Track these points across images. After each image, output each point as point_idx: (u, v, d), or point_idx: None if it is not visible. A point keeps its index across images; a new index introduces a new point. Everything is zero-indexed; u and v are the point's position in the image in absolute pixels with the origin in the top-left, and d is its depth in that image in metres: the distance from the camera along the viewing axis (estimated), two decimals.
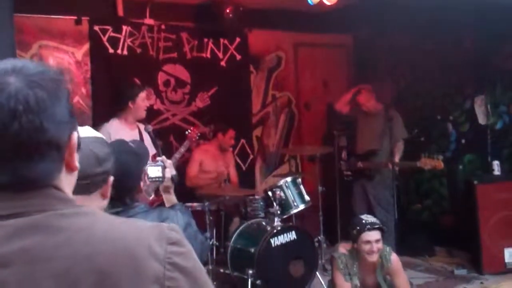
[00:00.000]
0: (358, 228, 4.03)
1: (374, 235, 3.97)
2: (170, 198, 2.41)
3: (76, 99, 6.02)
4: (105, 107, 5.94)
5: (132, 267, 0.93)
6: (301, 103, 7.48)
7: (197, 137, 5.63)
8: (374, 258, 4.00)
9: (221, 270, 5.23)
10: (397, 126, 6.13)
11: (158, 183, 2.32)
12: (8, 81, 0.93)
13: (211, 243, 5.24)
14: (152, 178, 2.27)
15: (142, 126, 5.14)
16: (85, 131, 1.79)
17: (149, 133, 4.64)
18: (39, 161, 0.94)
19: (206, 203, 5.30)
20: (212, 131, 6.43)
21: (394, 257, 4.15)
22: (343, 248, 4.24)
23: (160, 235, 0.99)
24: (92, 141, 1.77)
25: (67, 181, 1.02)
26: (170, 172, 2.35)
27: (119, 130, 5.01)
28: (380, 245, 3.98)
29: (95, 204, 1.76)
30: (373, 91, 6.32)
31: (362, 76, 7.22)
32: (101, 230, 0.96)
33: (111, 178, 1.79)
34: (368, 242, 3.96)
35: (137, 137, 4.89)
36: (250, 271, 4.83)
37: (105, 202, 1.81)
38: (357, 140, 6.49)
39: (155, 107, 6.36)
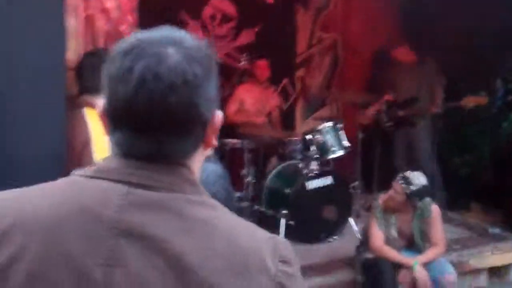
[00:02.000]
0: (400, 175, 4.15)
1: (397, 186, 4.08)
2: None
3: (123, 27, 6.01)
4: None
5: (242, 276, 0.91)
6: (348, 47, 7.32)
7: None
8: (392, 204, 4.11)
9: (257, 207, 5.32)
10: (434, 73, 6.01)
11: None
12: (168, 52, 0.92)
13: (248, 180, 5.30)
14: None
15: None
16: None
17: None
18: (183, 137, 0.95)
19: (245, 141, 5.34)
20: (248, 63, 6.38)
21: (434, 207, 4.16)
22: (380, 199, 4.26)
23: (274, 250, 0.96)
24: None
25: (199, 158, 1.01)
26: None
27: None
28: (398, 197, 4.08)
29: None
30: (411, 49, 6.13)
31: (410, 23, 6.98)
32: (223, 230, 0.94)
33: None
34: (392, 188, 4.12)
35: None
36: (284, 212, 4.90)
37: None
38: (396, 89, 6.36)
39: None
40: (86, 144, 2.92)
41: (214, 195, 2.10)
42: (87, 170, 0.97)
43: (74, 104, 3.10)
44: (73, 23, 5.79)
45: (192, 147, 0.98)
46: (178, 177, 0.95)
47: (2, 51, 2.76)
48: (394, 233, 4.15)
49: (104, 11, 5.93)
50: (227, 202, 2.22)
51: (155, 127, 0.92)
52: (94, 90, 3.09)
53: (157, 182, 0.93)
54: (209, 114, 0.97)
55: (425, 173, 4.25)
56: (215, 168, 2.23)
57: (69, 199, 0.92)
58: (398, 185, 4.08)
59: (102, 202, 0.91)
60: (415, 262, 4.02)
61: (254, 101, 6.08)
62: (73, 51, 5.76)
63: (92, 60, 3.21)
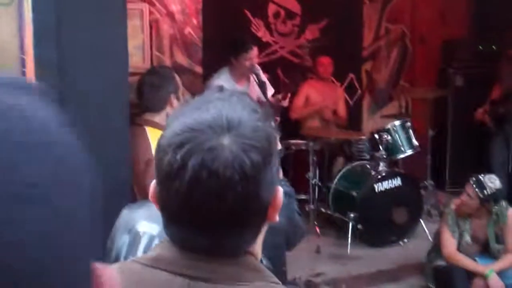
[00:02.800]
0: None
1: (470, 189, 3.91)
2: None
3: (188, 30, 6.08)
4: (216, 39, 5.96)
5: None
6: (416, 37, 7.08)
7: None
8: (465, 209, 3.95)
9: (323, 210, 5.27)
10: None
11: None
12: (223, 143, 0.86)
13: (313, 183, 5.25)
14: None
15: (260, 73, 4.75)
16: None
17: (256, 74, 4.60)
18: (244, 229, 0.91)
19: (311, 143, 5.28)
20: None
21: (510, 212, 3.98)
22: (454, 204, 4.11)
23: None
24: None
25: (261, 236, 0.97)
26: None
27: (228, 86, 4.60)
28: (472, 202, 3.91)
29: None
30: None
31: (483, 11, 6.67)
32: None
33: None
34: (464, 191, 3.95)
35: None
36: (352, 215, 4.83)
37: None
38: (496, 84, 6.04)
39: (264, 39, 6.28)
40: (149, 163, 2.96)
41: (273, 226, 2.09)
42: (145, 258, 0.96)
43: (135, 123, 3.16)
44: (138, 27, 5.92)
45: (253, 235, 0.93)
46: (241, 267, 0.92)
47: (66, 65, 2.83)
48: (467, 238, 4.00)
49: (169, 14, 6.01)
50: (291, 229, 2.19)
51: (213, 223, 0.88)
52: (155, 108, 3.13)
53: (218, 274, 0.90)
54: (270, 197, 0.91)
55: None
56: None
57: None
58: (471, 189, 3.92)
59: None
60: (490, 270, 3.86)
61: (319, 95, 6.00)
62: (138, 53, 5.91)
63: (152, 78, 3.25)
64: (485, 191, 3.88)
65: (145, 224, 1.72)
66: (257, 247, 0.97)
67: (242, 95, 0.97)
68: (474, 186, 3.90)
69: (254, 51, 4.73)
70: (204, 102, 0.93)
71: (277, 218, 0.94)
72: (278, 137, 0.96)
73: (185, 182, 0.85)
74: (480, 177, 3.94)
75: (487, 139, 5.94)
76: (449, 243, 4.01)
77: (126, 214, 1.81)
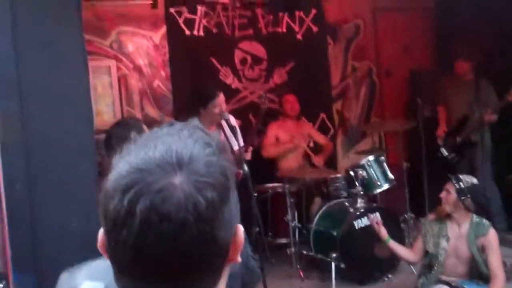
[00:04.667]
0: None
1: (448, 185, 3.93)
2: None
3: (156, 82, 6.11)
4: (185, 89, 6.01)
5: None
6: (382, 72, 7.21)
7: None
8: (445, 207, 3.95)
9: (304, 252, 5.21)
10: (487, 93, 5.80)
11: None
12: (174, 183, 0.78)
13: (293, 225, 5.21)
14: None
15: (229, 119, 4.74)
16: None
17: (226, 121, 4.60)
18: (204, 273, 0.83)
19: (287, 185, 5.27)
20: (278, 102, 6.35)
21: (492, 230, 3.96)
22: (432, 215, 4.14)
23: None
24: None
25: (224, 280, 0.89)
26: None
27: None
28: (449, 196, 3.90)
29: None
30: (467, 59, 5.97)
31: (445, 41, 6.83)
32: None
33: None
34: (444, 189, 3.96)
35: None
36: (334, 255, 4.78)
37: None
38: (446, 109, 6.19)
39: (233, 85, 6.35)
40: None
41: (229, 271, 2.03)
42: None
43: (105, 175, 3.11)
44: (106, 83, 5.93)
45: (214, 279, 0.85)
46: None
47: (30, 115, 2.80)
48: (444, 244, 3.97)
49: (137, 68, 6.05)
50: (247, 274, 2.14)
51: (168, 271, 0.80)
52: None
53: None
54: (230, 236, 0.84)
55: (485, 194, 4.12)
56: None
57: None
58: (449, 184, 3.95)
59: None
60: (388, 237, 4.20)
61: (287, 134, 6.01)
62: (109, 110, 5.90)
63: (120, 130, 3.21)
64: (461, 183, 3.91)
65: (88, 284, 1.67)
66: (222, 283, 0.88)
67: (194, 128, 0.88)
68: (452, 181, 3.93)
69: (221, 97, 4.74)
70: (152, 138, 0.85)
71: (239, 258, 0.87)
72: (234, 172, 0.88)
73: (134, 228, 0.77)
74: (458, 175, 4.00)
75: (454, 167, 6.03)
76: (415, 247, 4.16)
77: (65, 279, 1.76)
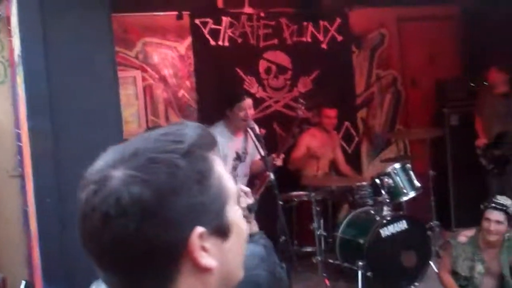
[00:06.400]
0: (486, 204, 3.85)
1: (496, 215, 3.78)
2: (249, 227, 2.29)
3: (181, 92, 6.17)
4: (210, 99, 6.06)
5: None
6: (407, 81, 7.17)
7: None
8: (492, 238, 3.83)
9: (331, 261, 5.20)
10: None
11: None
12: (109, 176, 0.79)
13: (318, 233, 5.20)
14: None
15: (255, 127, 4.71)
16: None
17: (252, 129, 4.63)
18: (144, 269, 0.80)
19: (312, 193, 5.26)
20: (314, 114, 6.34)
21: None
22: (463, 236, 4.05)
23: None
24: None
25: (195, 283, 0.83)
26: (246, 201, 2.23)
27: (223, 139, 4.74)
28: (501, 227, 3.79)
29: None
30: (503, 70, 5.90)
31: (472, 50, 6.79)
32: None
33: None
34: (488, 220, 3.80)
35: (240, 144, 4.86)
36: (360, 263, 4.76)
37: None
38: (478, 120, 6.11)
39: (257, 95, 6.37)
40: None
41: (255, 281, 2.02)
42: None
43: None
44: (132, 93, 6.01)
45: (163, 280, 0.81)
46: None
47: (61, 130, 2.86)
48: (480, 268, 3.90)
49: (162, 79, 6.12)
50: (274, 283, 2.14)
51: (104, 265, 0.81)
52: None
53: None
54: (174, 239, 0.79)
55: None
56: (256, 250, 2.12)
57: None
58: (495, 214, 3.80)
59: None
60: None
61: (319, 144, 6.02)
62: (135, 120, 5.97)
63: None
64: (510, 210, 3.83)
65: None
66: None
67: (180, 126, 0.86)
68: (498, 209, 3.82)
69: (248, 101, 4.79)
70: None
71: (207, 262, 0.81)
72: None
73: (79, 219, 0.80)
74: (495, 200, 3.88)
75: (486, 177, 5.95)
76: (444, 266, 4.05)
77: None
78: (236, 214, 0.89)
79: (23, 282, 2.91)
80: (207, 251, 0.82)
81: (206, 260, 0.81)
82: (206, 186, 0.82)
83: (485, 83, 6.03)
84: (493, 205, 3.82)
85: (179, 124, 0.87)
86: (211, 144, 0.88)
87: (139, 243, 0.77)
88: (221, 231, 0.84)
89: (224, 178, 0.87)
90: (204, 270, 0.82)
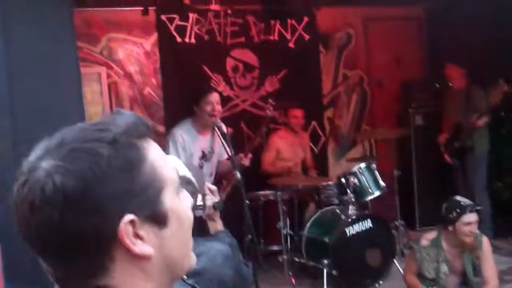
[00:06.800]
0: (458, 210, 3.84)
1: (475, 217, 3.80)
2: (214, 225, 2.28)
3: (147, 90, 6.10)
4: (176, 96, 6.00)
5: None
6: (374, 81, 7.24)
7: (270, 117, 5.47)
8: (469, 240, 3.84)
9: (296, 259, 5.20)
10: (478, 99, 5.82)
11: (200, 212, 2.18)
12: (37, 167, 0.81)
13: (285, 232, 5.20)
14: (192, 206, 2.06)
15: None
16: None
17: (219, 128, 4.58)
18: (73, 259, 0.81)
19: (279, 192, 5.26)
20: (280, 114, 6.32)
21: (485, 240, 3.95)
22: (425, 240, 4.07)
23: None
24: None
25: (133, 270, 0.84)
26: (212, 199, 2.21)
27: (189, 137, 4.72)
28: (474, 228, 3.82)
29: None
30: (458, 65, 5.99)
31: (436, 50, 6.88)
32: None
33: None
34: (469, 224, 3.79)
35: (207, 143, 4.81)
36: (326, 261, 4.77)
37: None
38: (443, 117, 6.21)
39: (224, 93, 6.33)
40: None
41: (221, 279, 2.00)
42: None
43: None
44: (97, 90, 5.90)
45: (90, 267, 0.82)
46: None
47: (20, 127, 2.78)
48: (445, 269, 3.94)
49: (127, 76, 6.03)
50: (239, 281, 2.12)
51: (43, 252, 0.83)
52: None
53: None
54: (101, 226, 0.79)
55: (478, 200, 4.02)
56: (221, 248, 2.11)
57: None
58: (470, 216, 3.79)
59: None
60: None
61: (289, 148, 6.03)
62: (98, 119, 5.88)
63: None
64: (478, 208, 3.86)
65: None
66: (130, 279, 0.84)
67: (113, 116, 0.87)
68: (473, 211, 3.81)
69: (215, 95, 4.72)
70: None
71: (142, 249, 0.82)
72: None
73: (13, 208, 0.83)
74: (464, 202, 3.87)
75: (451, 174, 6.04)
76: (410, 268, 4.03)
77: None
78: (175, 202, 0.88)
79: None
80: (142, 239, 0.82)
81: (140, 247, 0.82)
82: (134, 173, 0.82)
83: (449, 84, 6.12)
84: (470, 208, 3.83)
85: (113, 113, 0.88)
86: (144, 132, 0.87)
87: (64, 230, 0.79)
88: (157, 218, 0.84)
89: (159, 166, 0.86)
90: (141, 257, 0.83)
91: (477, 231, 3.89)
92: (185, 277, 1.71)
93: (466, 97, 5.90)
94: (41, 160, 0.81)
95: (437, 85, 6.52)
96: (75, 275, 0.83)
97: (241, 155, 4.83)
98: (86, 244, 0.80)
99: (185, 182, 1.75)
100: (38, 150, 0.84)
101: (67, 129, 0.85)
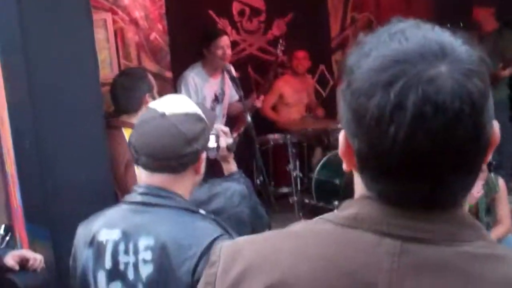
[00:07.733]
0: None
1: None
2: (228, 167, 2.28)
3: (153, 35, 6.02)
4: (183, 42, 5.92)
5: None
6: (383, 24, 7.07)
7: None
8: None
9: (307, 201, 5.25)
10: (507, 42, 5.50)
11: (214, 154, 2.16)
12: (442, 72, 0.73)
13: (295, 175, 5.23)
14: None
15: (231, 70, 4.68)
16: (175, 106, 1.72)
17: (228, 71, 4.55)
18: (467, 173, 0.78)
19: (288, 136, 5.26)
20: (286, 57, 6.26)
21: (501, 182, 3.94)
22: None
23: None
24: (181, 119, 1.68)
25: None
26: (225, 141, 2.21)
27: (200, 80, 4.67)
28: (484, 175, 3.78)
29: (189, 181, 1.75)
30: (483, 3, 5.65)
31: None
32: None
33: (204, 154, 1.75)
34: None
35: (218, 86, 4.77)
36: (336, 202, 4.81)
37: (198, 178, 1.79)
38: None
39: (231, 38, 6.21)
40: (128, 164, 2.92)
41: (239, 217, 2.03)
42: (338, 217, 0.86)
43: (112, 126, 3.11)
44: (103, 37, 5.83)
45: (473, 182, 0.80)
46: (458, 223, 0.79)
47: (38, 79, 2.77)
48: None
49: (133, 21, 5.94)
50: (256, 220, 2.15)
51: (435, 170, 0.75)
52: (130, 110, 3.09)
53: (435, 233, 0.77)
54: (491, 131, 0.79)
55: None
56: (239, 188, 2.13)
57: (328, 258, 0.81)
58: None
59: (370, 265, 0.78)
60: None
61: (293, 93, 5.98)
62: (107, 65, 5.83)
63: (123, 80, 3.22)
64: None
65: (105, 232, 1.70)
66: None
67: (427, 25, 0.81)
68: None
69: (225, 38, 4.67)
70: (393, 33, 0.80)
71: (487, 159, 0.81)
72: None
73: (406, 122, 0.72)
74: None
75: None
76: None
77: (82, 229, 1.79)
78: None
79: (2, 226, 2.88)
80: None
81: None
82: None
83: (461, 25, 5.94)
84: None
85: (411, 21, 0.84)
86: None
87: (482, 140, 0.77)
88: None
89: None
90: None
91: (489, 175, 3.88)
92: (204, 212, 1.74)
93: (494, 41, 5.54)
94: (438, 65, 0.74)
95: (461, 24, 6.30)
96: (458, 195, 0.81)
97: (254, 96, 4.84)
98: (483, 154, 0.79)
99: (198, 120, 1.75)
100: (411, 53, 0.76)
101: (427, 33, 0.78)
